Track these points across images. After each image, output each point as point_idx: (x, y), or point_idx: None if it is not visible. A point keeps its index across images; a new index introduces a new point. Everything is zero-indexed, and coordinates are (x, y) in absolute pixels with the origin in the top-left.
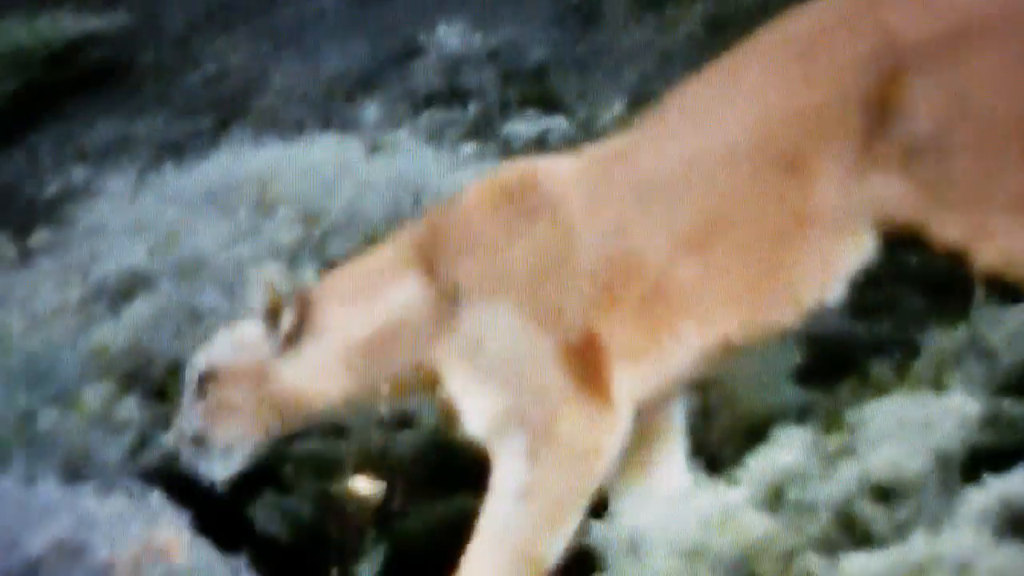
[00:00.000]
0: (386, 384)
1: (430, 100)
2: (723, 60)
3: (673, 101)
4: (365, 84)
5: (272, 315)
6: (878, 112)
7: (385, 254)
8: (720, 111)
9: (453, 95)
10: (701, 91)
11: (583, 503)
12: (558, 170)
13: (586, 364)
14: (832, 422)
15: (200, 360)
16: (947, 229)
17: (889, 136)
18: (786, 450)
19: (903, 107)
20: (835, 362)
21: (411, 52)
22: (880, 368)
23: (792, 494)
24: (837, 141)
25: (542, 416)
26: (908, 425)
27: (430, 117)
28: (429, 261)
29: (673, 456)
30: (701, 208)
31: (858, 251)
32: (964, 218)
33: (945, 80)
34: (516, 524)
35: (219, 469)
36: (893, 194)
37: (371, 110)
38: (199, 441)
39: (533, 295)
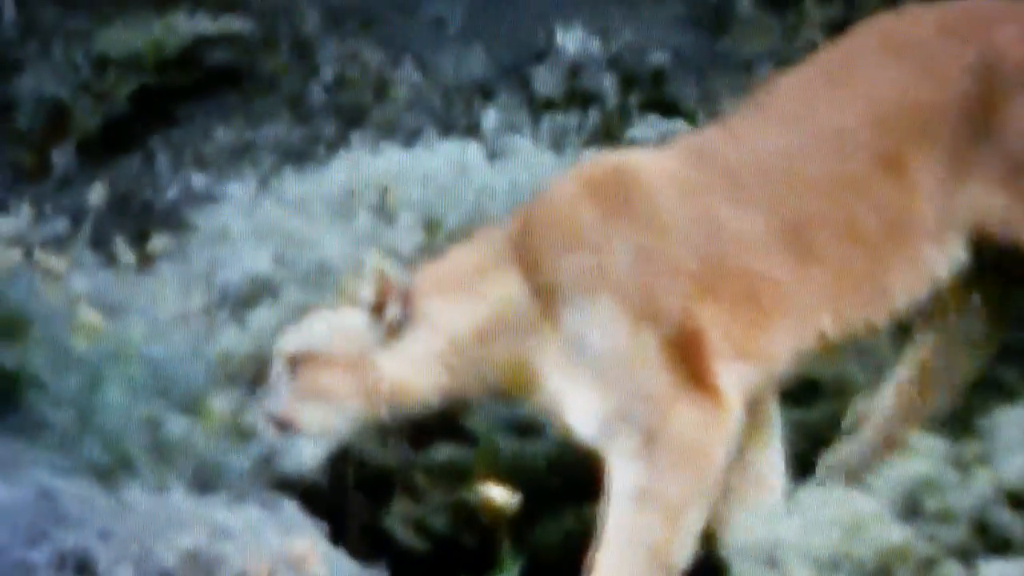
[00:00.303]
0: (483, 381)
1: (550, 105)
2: (826, 55)
3: (773, 92)
4: (485, 90)
5: (379, 305)
6: (982, 123)
7: (482, 250)
8: (824, 105)
9: (573, 100)
10: (804, 84)
11: (704, 501)
12: (650, 162)
13: (692, 360)
14: (965, 430)
15: (291, 341)
16: None
17: (993, 149)
18: (921, 458)
19: (1008, 123)
20: None
21: (531, 58)
22: (1011, 375)
23: (928, 503)
24: (940, 144)
25: (651, 415)
26: None
27: (550, 122)
28: (526, 257)
29: (771, 456)
30: (799, 202)
31: (950, 257)
32: None
33: None
34: (641, 528)
35: (303, 456)
36: (993, 206)
37: (491, 116)
38: (283, 425)
39: (632, 291)
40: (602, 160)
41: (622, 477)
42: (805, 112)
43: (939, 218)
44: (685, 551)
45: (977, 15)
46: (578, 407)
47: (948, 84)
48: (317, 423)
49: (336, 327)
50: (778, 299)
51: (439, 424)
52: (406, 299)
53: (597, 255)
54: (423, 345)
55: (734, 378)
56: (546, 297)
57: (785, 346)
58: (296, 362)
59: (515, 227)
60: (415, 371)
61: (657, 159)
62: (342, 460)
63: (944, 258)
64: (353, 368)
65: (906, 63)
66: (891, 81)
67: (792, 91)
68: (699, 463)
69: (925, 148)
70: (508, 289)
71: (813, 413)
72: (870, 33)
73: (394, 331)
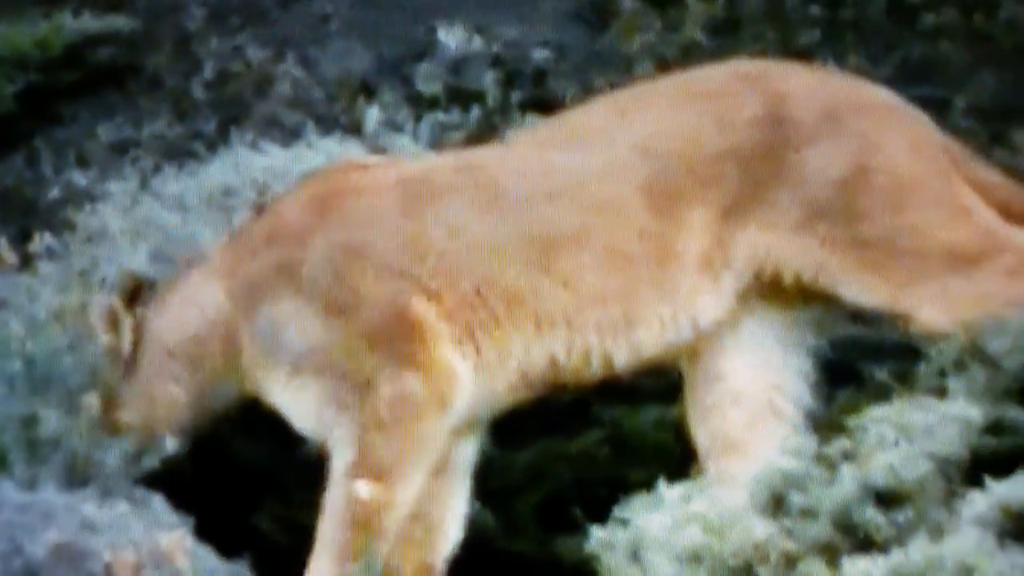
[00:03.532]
0: (212, 389)
1: (432, 103)
2: (626, 91)
3: (566, 115)
4: (367, 88)
5: (112, 349)
6: (767, 173)
7: (201, 265)
8: (609, 134)
9: (455, 98)
10: (597, 112)
11: (418, 470)
12: (383, 171)
13: (401, 343)
14: (833, 427)
15: None
16: (871, 292)
17: (784, 197)
18: (787, 456)
19: (800, 173)
20: (836, 368)
21: (413, 56)
22: (881, 374)
23: (794, 499)
24: (720, 188)
25: (359, 396)
26: (909, 431)
27: (431, 120)
28: (232, 265)
29: (454, 503)
30: (552, 219)
31: (719, 299)
32: (887, 279)
33: (842, 148)
34: (354, 497)
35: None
36: (786, 250)
37: (373, 114)
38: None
39: (326, 286)
40: (326, 171)
41: (339, 456)
42: (589, 138)
43: (711, 258)
44: (398, 516)
45: (770, 72)
46: (291, 405)
47: (732, 135)
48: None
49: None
50: (510, 307)
51: None
52: (136, 328)
53: (290, 254)
54: (149, 365)
55: (456, 360)
56: (240, 299)
57: (511, 357)
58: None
59: (232, 236)
60: (151, 392)
61: (396, 167)
62: (212, 456)
63: (710, 300)
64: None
65: (696, 109)
66: (681, 123)
67: (584, 117)
68: (409, 429)
69: (701, 189)
70: (212, 296)
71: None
72: (674, 79)
73: (130, 364)
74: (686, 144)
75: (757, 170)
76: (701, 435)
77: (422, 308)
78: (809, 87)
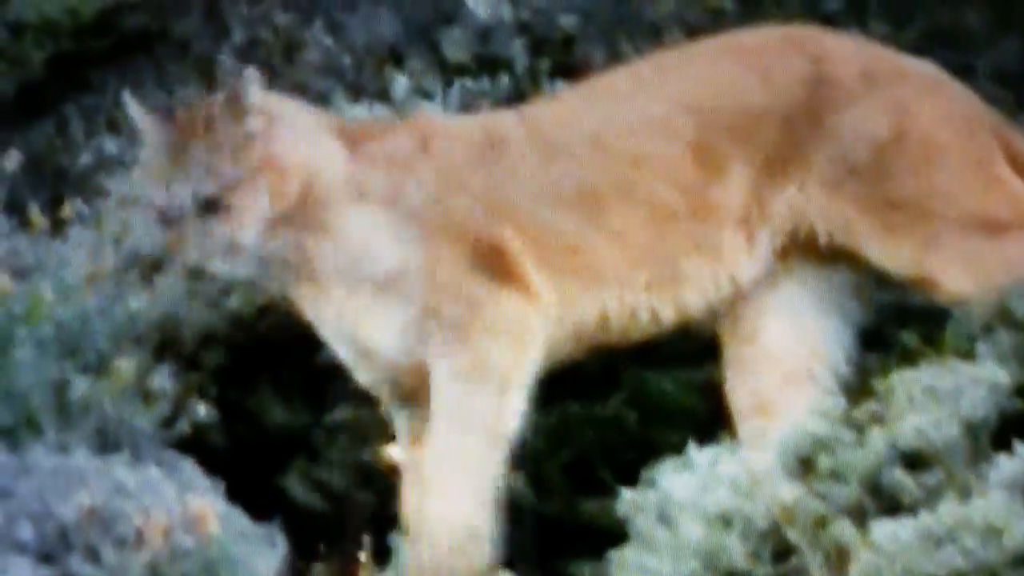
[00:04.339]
0: None
1: (460, 70)
2: (671, 50)
3: (611, 73)
4: (395, 55)
5: None
6: (806, 132)
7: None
8: (651, 90)
9: (483, 66)
10: (639, 70)
11: (526, 376)
12: (462, 121)
13: (497, 262)
14: (862, 391)
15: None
16: (896, 254)
17: (820, 156)
18: (817, 418)
19: (838, 133)
20: (865, 331)
21: (441, 23)
22: (910, 337)
23: (822, 462)
24: (761, 146)
25: (463, 307)
26: (938, 393)
27: (460, 88)
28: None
29: None
30: (602, 171)
31: (756, 257)
32: (913, 241)
33: (880, 111)
34: (470, 403)
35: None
36: (818, 209)
37: (401, 81)
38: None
39: (430, 209)
40: (415, 117)
41: (443, 366)
42: (632, 93)
43: (749, 215)
44: (513, 423)
45: (813, 35)
46: (374, 320)
47: (779, 92)
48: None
49: None
50: (567, 258)
51: (340, 385)
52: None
53: (401, 177)
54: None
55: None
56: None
57: (569, 309)
58: None
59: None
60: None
61: (473, 119)
62: (241, 420)
63: (748, 259)
64: None
65: (741, 67)
66: (723, 80)
67: (627, 74)
68: (518, 336)
69: (743, 146)
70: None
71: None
72: (718, 39)
73: None
74: (729, 101)
75: (797, 129)
76: (736, 396)
77: (511, 241)
78: (851, 51)
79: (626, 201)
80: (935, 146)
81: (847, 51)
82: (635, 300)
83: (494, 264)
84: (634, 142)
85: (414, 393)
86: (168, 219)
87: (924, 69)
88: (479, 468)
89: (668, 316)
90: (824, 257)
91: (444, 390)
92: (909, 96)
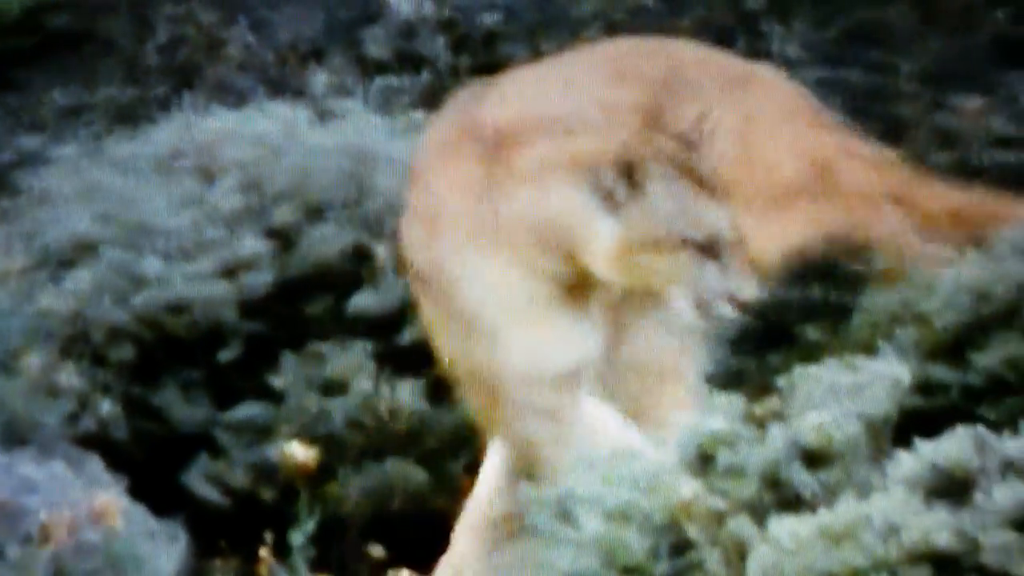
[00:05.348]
0: None
1: (381, 67)
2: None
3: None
4: (317, 52)
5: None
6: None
7: None
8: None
9: (404, 62)
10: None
11: None
12: None
13: None
14: (762, 386)
15: None
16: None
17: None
18: (716, 414)
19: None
20: (766, 326)
21: (363, 20)
22: (811, 332)
23: (722, 458)
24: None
25: None
26: (838, 390)
27: (381, 84)
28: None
29: None
30: None
31: None
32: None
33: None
34: None
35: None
36: None
37: (321, 78)
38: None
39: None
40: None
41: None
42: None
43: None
44: None
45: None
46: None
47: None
48: None
49: None
50: None
51: (242, 382)
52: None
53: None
54: None
55: None
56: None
57: None
58: None
59: None
60: None
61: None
62: (146, 416)
63: None
64: None
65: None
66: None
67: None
68: None
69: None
70: None
71: None
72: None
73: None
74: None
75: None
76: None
77: None
78: (698, 57)
79: None
80: (753, 123)
81: (696, 56)
82: None
83: None
84: None
85: None
86: None
87: (764, 71)
88: None
89: None
90: None
91: None
92: (743, 94)
